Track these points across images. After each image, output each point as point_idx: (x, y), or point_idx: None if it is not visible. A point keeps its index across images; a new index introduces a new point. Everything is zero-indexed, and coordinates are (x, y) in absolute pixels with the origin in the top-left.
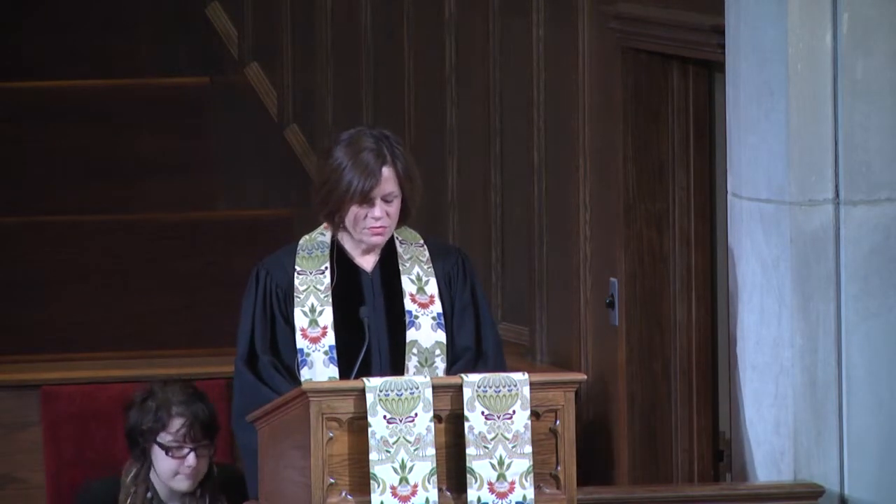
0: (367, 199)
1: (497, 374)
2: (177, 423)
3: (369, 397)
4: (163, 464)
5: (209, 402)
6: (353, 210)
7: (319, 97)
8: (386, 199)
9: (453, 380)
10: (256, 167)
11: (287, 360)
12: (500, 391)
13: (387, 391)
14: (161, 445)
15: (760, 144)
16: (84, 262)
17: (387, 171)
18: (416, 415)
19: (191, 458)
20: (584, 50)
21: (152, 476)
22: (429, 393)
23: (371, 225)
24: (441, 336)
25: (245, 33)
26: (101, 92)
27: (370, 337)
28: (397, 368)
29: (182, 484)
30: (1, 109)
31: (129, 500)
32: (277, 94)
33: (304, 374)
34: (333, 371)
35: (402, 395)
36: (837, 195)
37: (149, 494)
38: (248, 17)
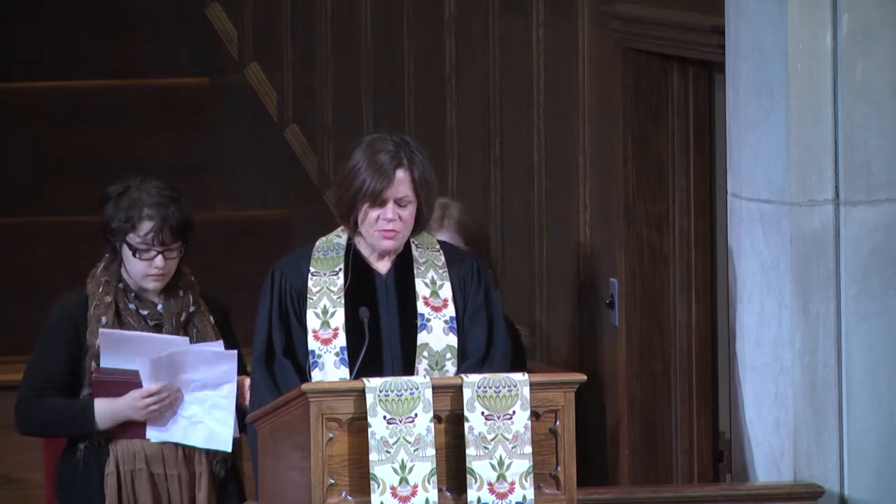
0: (378, 200)
1: (497, 374)
2: (146, 226)
3: (369, 398)
4: (131, 264)
5: (184, 204)
6: (366, 210)
7: (319, 97)
8: (399, 203)
9: (453, 380)
10: (256, 167)
11: (302, 363)
12: (500, 391)
13: (387, 392)
14: (129, 246)
15: (760, 144)
16: (83, 262)
17: (401, 174)
18: (415, 415)
19: (158, 261)
20: (584, 50)
21: (123, 272)
22: (429, 393)
23: (383, 227)
24: (452, 340)
25: (245, 33)
26: (100, 92)
27: (381, 338)
28: (409, 371)
29: (150, 285)
30: (1, 109)
31: (100, 290)
32: (277, 95)
33: (316, 375)
34: (344, 373)
35: (402, 395)
36: (837, 195)
37: (120, 285)
38: (248, 17)
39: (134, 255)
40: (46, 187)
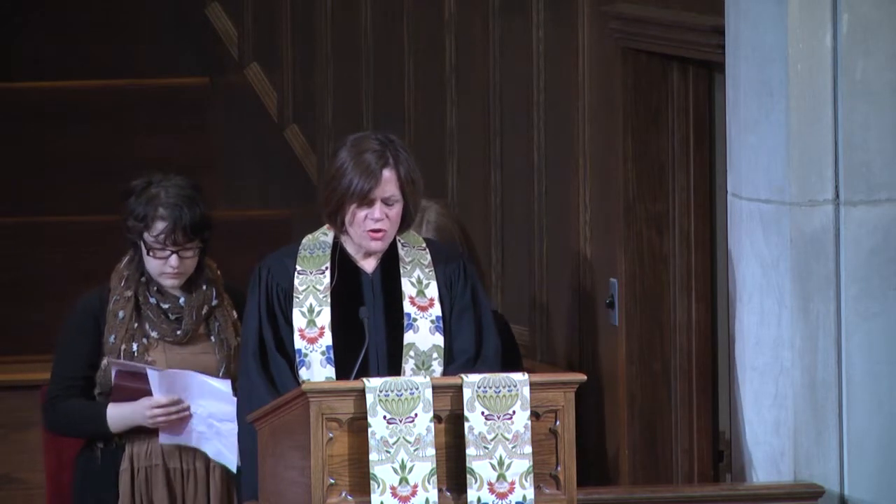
0: (366, 200)
1: (497, 374)
2: (159, 227)
3: (369, 398)
4: (147, 261)
5: (200, 204)
6: (353, 210)
7: (319, 98)
8: (386, 202)
9: (453, 380)
10: (256, 167)
11: (291, 359)
12: (500, 391)
13: (387, 391)
14: (145, 244)
15: (760, 144)
16: (84, 262)
17: (388, 174)
18: (415, 415)
19: (173, 260)
20: (584, 50)
21: (145, 265)
22: (429, 393)
23: (370, 227)
24: (439, 340)
25: (245, 33)
26: (101, 92)
27: (368, 339)
28: (394, 371)
29: (166, 282)
30: (1, 109)
31: (121, 284)
32: (277, 95)
33: (303, 374)
34: (330, 371)
35: (401, 395)
36: (837, 195)
37: (142, 279)
38: (248, 17)
39: (148, 253)
40: (46, 187)
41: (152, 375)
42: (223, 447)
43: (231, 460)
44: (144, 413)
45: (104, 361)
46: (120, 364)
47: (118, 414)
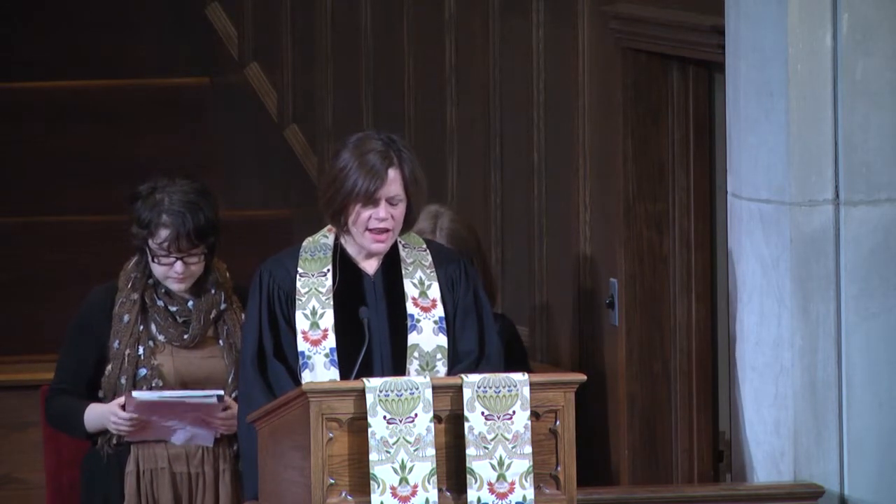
0: (371, 200)
1: (497, 374)
2: (162, 234)
3: (369, 398)
4: (153, 266)
5: (205, 208)
6: (358, 211)
7: (319, 97)
8: (391, 202)
9: (453, 380)
10: (256, 167)
11: (292, 364)
12: (500, 391)
13: (387, 392)
14: (150, 250)
15: (760, 144)
16: (84, 262)
17: (392, 173)
18: (415, 415)
19: (178, 266)
20: (584, 50)
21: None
22: (429, 393)
23: (375, 226)
24: (442, 340)
25: (245, 33)
26: (101, 92)
27: (371, 339)
28: (399, 372)
29: (173, 286)
30: (1, 109)
31: (129, 286)
32: (277, 95)
33: (306, 377)
34: (334, 374)
35: (402, 395)
36: (837, 195)
37: (150, 281)
38: (248, 17)
39: (153, 259)
40: (46, 187)
41: (139, 395)
42: (195, 430)
43: (207, 437)
44: (109, 418)
45: (108, 367)
46: (137, 400)
47: (93, 414)
